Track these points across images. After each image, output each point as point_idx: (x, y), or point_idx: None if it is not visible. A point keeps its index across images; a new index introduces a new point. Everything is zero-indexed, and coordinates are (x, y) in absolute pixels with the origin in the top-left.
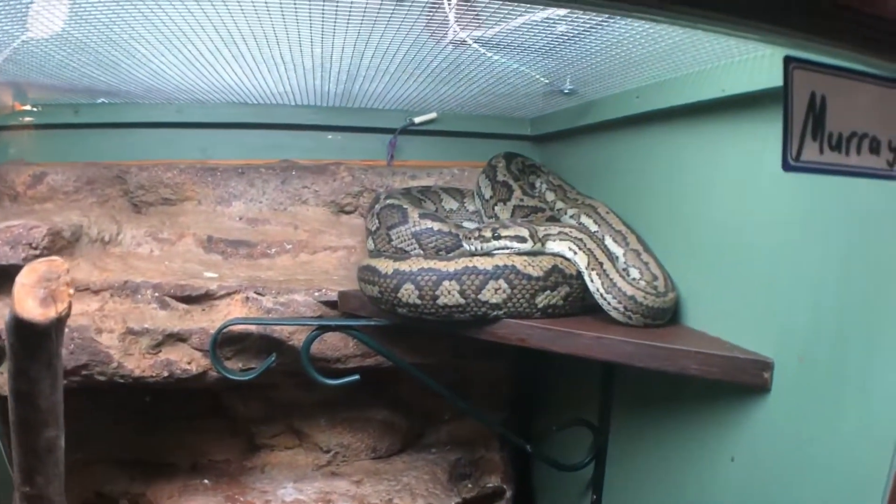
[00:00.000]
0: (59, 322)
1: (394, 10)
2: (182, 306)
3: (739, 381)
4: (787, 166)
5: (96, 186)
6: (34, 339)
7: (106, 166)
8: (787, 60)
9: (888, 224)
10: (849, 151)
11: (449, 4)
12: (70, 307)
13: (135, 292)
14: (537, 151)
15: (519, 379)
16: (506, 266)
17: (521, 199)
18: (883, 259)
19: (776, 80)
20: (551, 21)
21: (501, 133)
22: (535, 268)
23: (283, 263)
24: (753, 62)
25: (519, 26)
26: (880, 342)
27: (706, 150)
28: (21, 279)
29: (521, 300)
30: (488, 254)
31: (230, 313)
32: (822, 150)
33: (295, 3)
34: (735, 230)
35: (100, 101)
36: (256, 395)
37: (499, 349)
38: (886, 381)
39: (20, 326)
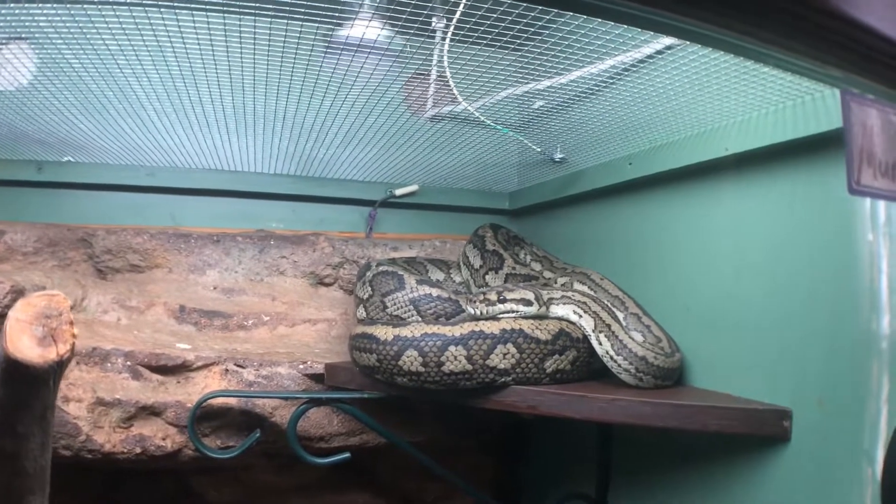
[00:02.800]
0: (60, 367)
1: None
2: (156, 377)
3: (760, 433)
4: (851, 190)
5: (58, 249)
6: (28, 386)
7: (70, 228)
8: (844, 93)
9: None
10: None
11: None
12: (73, 350)
13: (104, 360)
14: (515, 225)
15: (505, 454)
16: (514, 330)
17: (514, 268)
18: (893, 293)
19: (780, 135)
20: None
21: (480, 207)
22: (543, 331)
23: (261, 336)
24: (757, 120)
25: (505, 97)
26: None
27: (702, 210)
28: (15, 314)
29: (529, 365)
30: (494, 318)
31: (208, 386)
32: (876, 177)
33: (266, 71)
34: (736, 286)
35: (66, 159)
36: (229, 477)
37: (488, 423)
38: None
39: (12, 369)
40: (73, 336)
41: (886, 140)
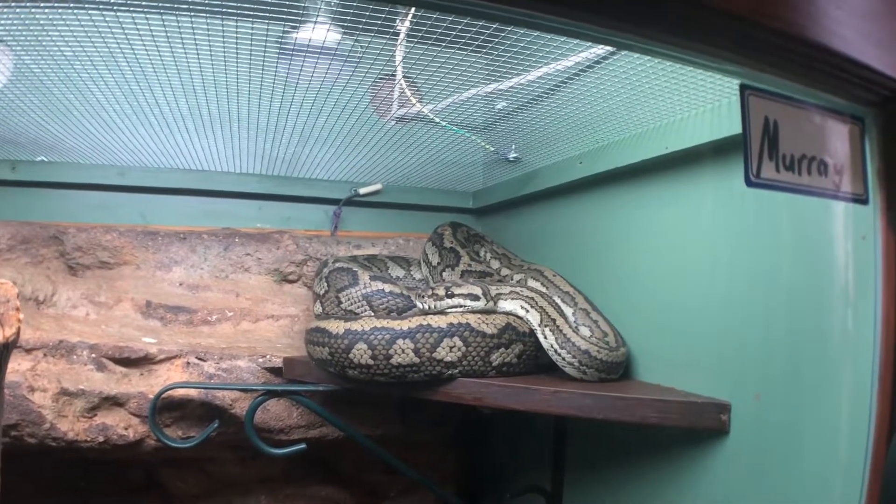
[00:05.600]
0: (6, 349)
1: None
2: (120, 369)
3: (698, 426)
4: (749, 182)
5: (31, 246)
6: None
7: (42, 226)
8: (743, 88)
9: (827, 260)
10: (801, 172)
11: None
12: (19, 333)
13: (70, 352)
14: (479, 223)
15: (466, 449)
16: (460, 324)
17: (469, 265)
18: (825, 293)
19: (717, 133)
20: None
21: (445, 206)
22: (490, 325)
23: (224, 331)
24: (695, 119)
25: (465, 100)
26: (830, 372)
27: (648, 208)
28: None
29: (475, 358)
30: (442, 312)
31: (170, 378)
32: (779, 170)
33: (213, 72)
34: (681, 282)
35: (39, 158)
36: (194, 469)
37: (446, 418)
38: (840, 408)
39: None
40: (19, 321)
41: (791, 134)
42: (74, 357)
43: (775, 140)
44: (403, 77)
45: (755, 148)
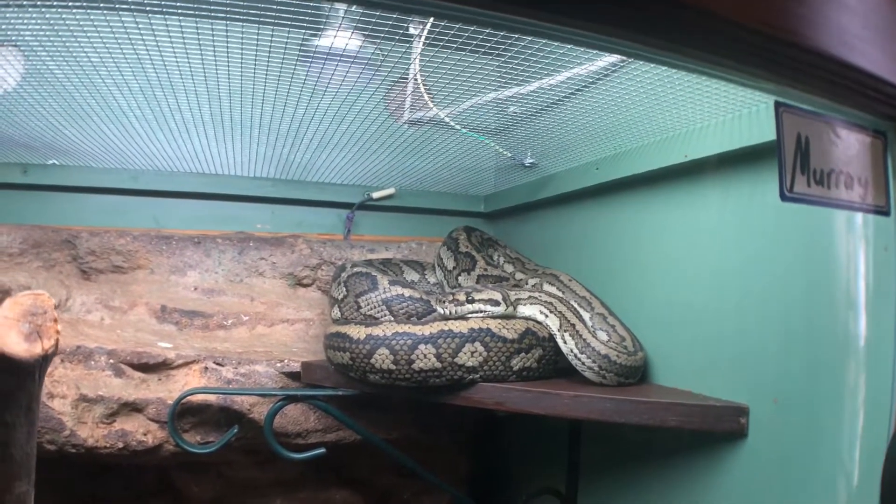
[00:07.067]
0: (45, 361)
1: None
2: (138, 375)
3: (717, 429)
4: (783, 197)
5: (43, 250)
6: (14, 379)
7: (54, 230)
8: (777, 105)
9: (848, 269)
10: (829, 185)
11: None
12: (57, 345)
13: (88, 358)
14: (491, 227)
15: (480, 451)
16: (481, 329)
17: (486, 269)
18: (845, 300)
19: (737, 142)
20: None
21: (456, 210)
22: (510, 331)
23: (240, 335)
24: (715, 128)
25: (479, 103)
26: (849, 377)
27: (665, 214)
28: (3, 312)
29: (496, 363)
30: (462, 317)
31: (188, 384)
32: (810, 184)
33: (241, 80)
34: (698, 288)
35: (51, 162)
36: (209, 472)
37: (461, 421)
38: (859, 413)
39: (1, 363)
40: (57, 332)
41: (820, 150)
42: (92, 363)
43: (807, 155)
44: (418, 80)
45: (789, 163)
